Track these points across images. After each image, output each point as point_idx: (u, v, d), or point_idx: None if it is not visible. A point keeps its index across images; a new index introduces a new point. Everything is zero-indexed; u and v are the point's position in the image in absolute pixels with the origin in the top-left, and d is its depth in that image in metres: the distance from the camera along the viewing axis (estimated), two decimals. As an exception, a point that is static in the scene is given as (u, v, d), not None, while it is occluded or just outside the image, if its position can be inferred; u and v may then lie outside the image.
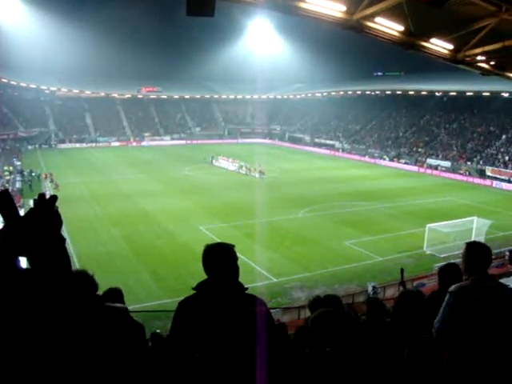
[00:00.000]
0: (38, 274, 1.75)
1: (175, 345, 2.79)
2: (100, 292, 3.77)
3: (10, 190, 38.11)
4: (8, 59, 68.69)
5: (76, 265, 22.67)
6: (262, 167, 52.77)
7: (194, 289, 2.79)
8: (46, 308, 1.70)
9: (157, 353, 3.54)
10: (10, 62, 70.27)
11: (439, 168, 60.57)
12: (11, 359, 1.60)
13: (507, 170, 53.39)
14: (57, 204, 2.02)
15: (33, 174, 47.82)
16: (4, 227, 1.75)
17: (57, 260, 1.90)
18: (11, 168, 50.02)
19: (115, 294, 4.24)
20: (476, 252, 3.74)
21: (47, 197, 1.96)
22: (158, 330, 4.59)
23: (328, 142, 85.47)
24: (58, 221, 2.08)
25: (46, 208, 1.98)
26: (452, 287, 3.61)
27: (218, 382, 2.61)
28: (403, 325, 4.04)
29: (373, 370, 3.16)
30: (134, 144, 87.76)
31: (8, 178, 44.22)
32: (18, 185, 42.58)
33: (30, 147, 76.06)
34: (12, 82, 79.62)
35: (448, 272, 4.60)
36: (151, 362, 2.96)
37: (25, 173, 48.16)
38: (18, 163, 54.61)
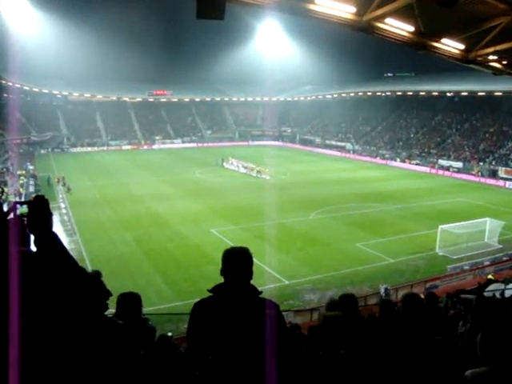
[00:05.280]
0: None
1: (192, 347, 2.81)
2: (115, 295, 3.85)
3: (23, 194, 38.70)
4: (21, 65, 69.40)
5: (89, 268, 22.86)
6: (262, 168, 53.60)
7: (209, 291, 2.80)
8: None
9: (166, 354, 3.56)
10: (23, 67, 70.98)
11: (451, 169, 60.10)
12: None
13: (520, 171, 52.86)
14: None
15: (35, 175, 48.92)
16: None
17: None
18: (24, 172, 50.57)
19: (133, 298, 4.28)
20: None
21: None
22: (170, 333, 4.61)
23: (339, 143, 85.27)
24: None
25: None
26: (468, 373, 2.79)
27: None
28: (416, 327, 4.01)
29: (385, 370, 3.15)
30: (145, 147, 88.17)
31: (22, 182, 44.67)
32: (31, 189, 42.99)
33: (42, 151, 76.81)
34: (25, 88, 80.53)
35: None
36: (162, 364, 2.98)
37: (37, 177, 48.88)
38: (31, 167, 55.12)
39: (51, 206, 2.20)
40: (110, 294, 3.41)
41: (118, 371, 2.28)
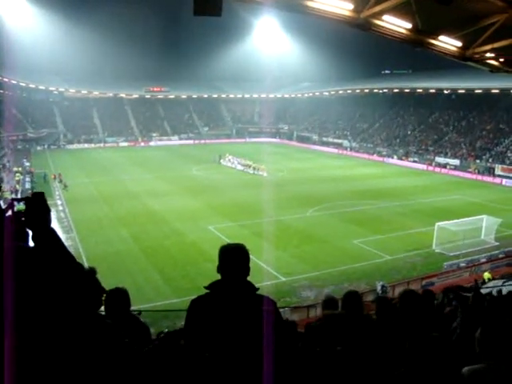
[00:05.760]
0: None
1: (188, 343, 2.81)
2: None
3: (20, 191, 38.62)
4: (17, 61, 69.14)
5: (85, 265, 22.80)
6: (259, 165, 54.08)
7: (206, 288, 2.79)
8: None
9: (164, 352, 3.54)
10: (18, 63, 70.74)
11: (448, 166, 60.20)
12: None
13: (517, 168, 52.96)
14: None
15: (32, 171, 48.98)
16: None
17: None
18: (20, 169, 50.45)
19: (120, 294, 4.18)
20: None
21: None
22: (166, 329, 4.60)
23: (336, 140, 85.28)
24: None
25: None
26: (465, 370, 2.75)
27: (226, 382, 2.62)
28: (412, 323, 4.02)
29: (381, 367, 3.15)
30: (142, 144, 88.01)
31: (18, 178, 44.57)
32: (27, 185, 42.91)
33: (38, 148, 76.55)
34: (21, 84, 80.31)
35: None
36: (159, 361, 2.97)
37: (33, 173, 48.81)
38: (28, 164, 54.97)
39: (47, 202, 2.20)
40: (105, 291, 3.40)
41: (105, 370, 2.27)
